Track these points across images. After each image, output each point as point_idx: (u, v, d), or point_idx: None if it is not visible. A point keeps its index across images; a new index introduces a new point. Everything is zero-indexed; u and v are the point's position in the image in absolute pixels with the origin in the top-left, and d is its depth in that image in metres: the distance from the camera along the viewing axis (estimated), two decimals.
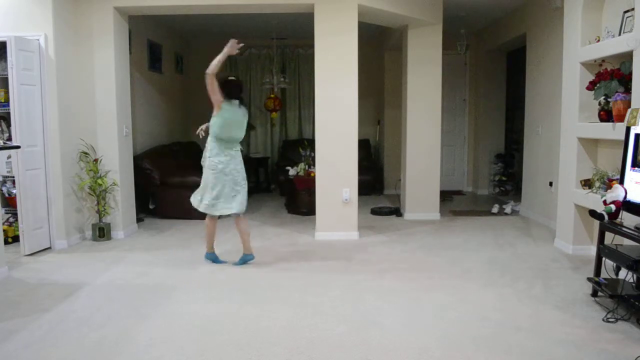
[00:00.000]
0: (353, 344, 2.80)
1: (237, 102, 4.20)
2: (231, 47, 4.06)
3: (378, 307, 3.35)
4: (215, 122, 4.12)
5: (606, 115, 4.06)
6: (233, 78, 4.25)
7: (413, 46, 6.14)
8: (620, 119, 3.79)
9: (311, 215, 5.83)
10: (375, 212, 6.67)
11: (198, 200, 4.28)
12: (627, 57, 3.79)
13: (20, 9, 4.73)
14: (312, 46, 5.30)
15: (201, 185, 4.26)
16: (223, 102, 4.09)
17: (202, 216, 4.46)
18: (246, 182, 4.32)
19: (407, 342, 2.82)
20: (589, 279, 3.48)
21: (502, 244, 5.06)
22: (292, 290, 3.71)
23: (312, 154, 6.31)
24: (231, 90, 4.15)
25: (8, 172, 4.90)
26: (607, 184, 4.02)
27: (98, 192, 5.16)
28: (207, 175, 4.20)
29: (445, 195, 7.51)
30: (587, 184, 4.35)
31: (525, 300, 3.47)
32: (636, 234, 3.08)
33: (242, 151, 4.37)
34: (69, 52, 5.03)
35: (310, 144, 6.43)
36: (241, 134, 4.26)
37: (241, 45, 4.13)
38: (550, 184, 5.73)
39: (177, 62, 8.26)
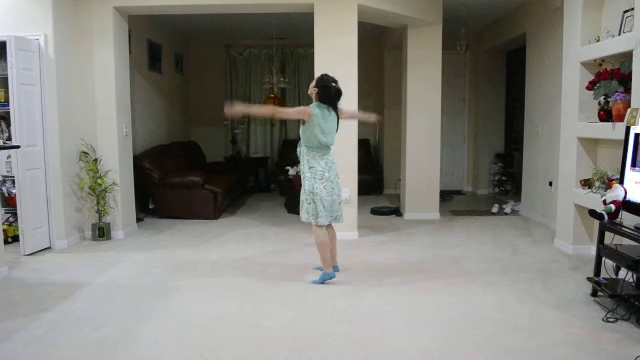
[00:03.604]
0: (353, 344, 2.80)
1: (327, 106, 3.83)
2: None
3: (378, 307, 3.35)
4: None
5: (606, 115, 4.05)
6: (333, 85, 3.80)
7: (413, 46, 6.13)
8: (620, 119, 3.78)
9: None
10: (375, 212, 6.67)
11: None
12: (627, 57, 3.79)
13: (20, 9, 4.74)
14: (312, 46, 5.29)
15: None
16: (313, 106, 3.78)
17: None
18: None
19: (407, 342, 2.82)
20: (589, 279, 3.48)
21: (502, 244, 5.05)
22: (292, 290, 3.71)
23: None
24: (330, 97, 3.80)
25: (8, 172, 4.90)
26: (607, 184, 4.02)
27: (98, 192, 5.16)
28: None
29: (445, 195, 7.51)
30: (587, 184, 4.35)
31: (525, 300, 3.47)
32: (636, 234, 3.08)
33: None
34: (69, 52, 5.02)
35: None
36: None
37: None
38: (550, 184, 5.73)
39: (177, 62, 8.25)
